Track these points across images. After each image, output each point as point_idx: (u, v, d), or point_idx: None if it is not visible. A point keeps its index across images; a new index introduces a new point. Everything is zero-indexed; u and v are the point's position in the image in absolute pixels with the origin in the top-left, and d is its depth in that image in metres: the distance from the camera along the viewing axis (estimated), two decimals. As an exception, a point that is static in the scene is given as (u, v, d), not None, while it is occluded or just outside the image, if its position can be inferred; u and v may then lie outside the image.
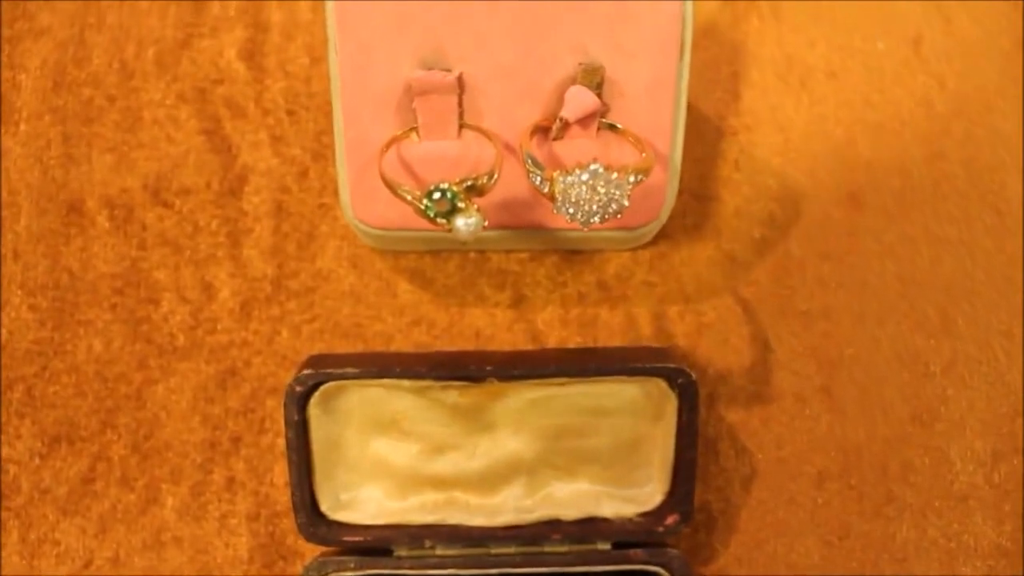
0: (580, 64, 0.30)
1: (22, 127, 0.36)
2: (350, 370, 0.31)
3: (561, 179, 0.27)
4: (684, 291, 0.35)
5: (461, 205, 0.27)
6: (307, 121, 0.36)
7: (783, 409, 0.35)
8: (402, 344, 0.35)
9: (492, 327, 0.35)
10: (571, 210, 0.28)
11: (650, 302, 0.35)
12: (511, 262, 0.35)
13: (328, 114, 0.36)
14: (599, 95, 0.30)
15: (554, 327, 0.35)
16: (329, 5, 0.30)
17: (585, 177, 0.27)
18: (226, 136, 0.36)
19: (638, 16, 0.30)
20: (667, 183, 0.32)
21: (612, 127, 0.31)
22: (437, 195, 0.27)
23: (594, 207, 0.28)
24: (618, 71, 0.30)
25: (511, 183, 0.31)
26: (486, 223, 0.28)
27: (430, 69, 0.30)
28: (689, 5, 0.30)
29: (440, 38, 0.30)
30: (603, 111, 0.31)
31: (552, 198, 0.28)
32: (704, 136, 0.36)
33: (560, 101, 0.30)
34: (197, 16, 0.37)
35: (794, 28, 0.37)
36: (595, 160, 0.27)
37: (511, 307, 0.35)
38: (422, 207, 0.28)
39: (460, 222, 0.27)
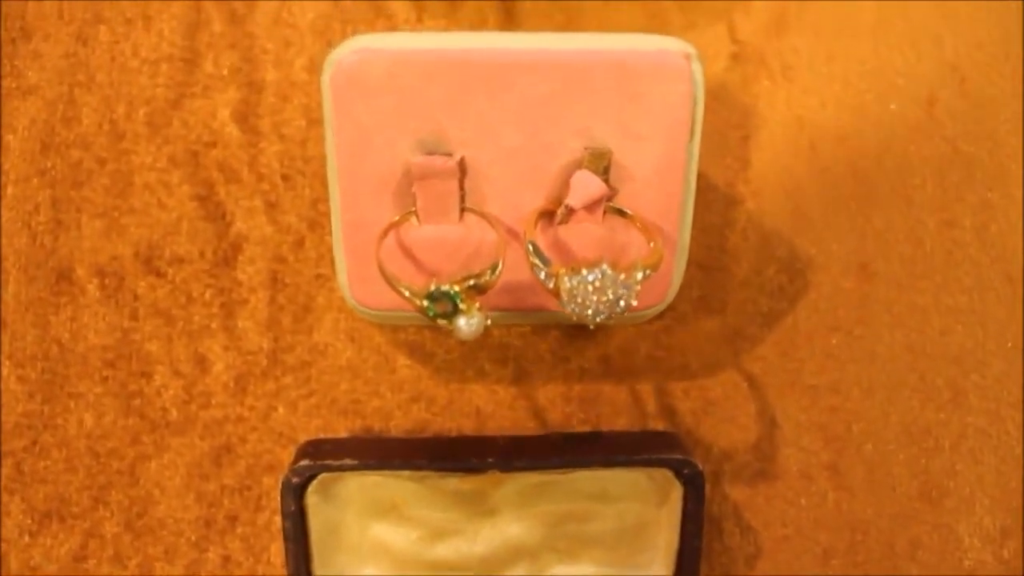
0: (587, 148, 0.29)
1: (10, 190, 0.35)
2: (348, 461, 0.30)
3: (567, 278, 0.27)
4: (689, 367, 0.35)
5: (463, 306, 0.26)
6: (303, 187, 0.35)
7: (789, 486, 0.35)
8: (401, 421, 0.34)
9: (493, 404, 0.34)
10: (577, 309, 0.27)
11: (655, 378, 0.34)
12: (512, 336, 0.34)
13: (324, 180, 0.35)
14: (606, 179, 0.29)
15: (556, 404, 0.34)
16: (325, 88, 0.29)
17: (592, 278, 0.26)
18: (220, 202, 0.35)
19: (647, 99, 0.29)
20: (674, 266, 0.31)
21: (620, 212, 0.30)
22: (438, 296, 0.26)
23: (601, 307, 0.27)
24: (626, 154, 0.29)
25: (514, 268, 0.30)
26: (488, 321, 0.27)
27: (431, 153, 0.29)
28: (700, 87, 0.29)
29: (441, 122, 0.29)
30: (610, 195, 0.30)
31: (557, 294, 0.27)
32: (711, 204, 0.35)
33: (566, 185, 0.29)
34: (189, 75, 0.36)
35: (805, 89, 0.36)
36: (603, 260, 0.26)
37: (512, 383, 0.34)
38: (422, 306, 0.27)
39: (462, 323, 0.26)
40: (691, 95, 0.29)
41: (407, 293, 0.27)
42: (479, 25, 0.36)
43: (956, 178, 0.36)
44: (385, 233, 0.29)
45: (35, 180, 0.35)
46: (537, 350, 0.34)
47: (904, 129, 0.37)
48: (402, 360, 0.34)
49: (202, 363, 0.34)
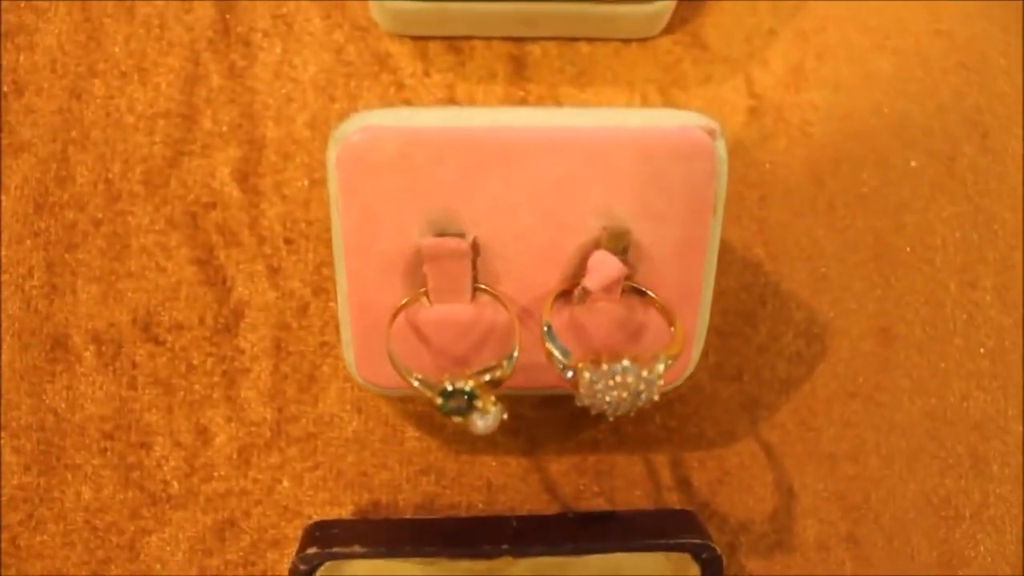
0: (605, 228, 0.28)
1: (3, 252, 0.34)
2: (357, 548, 0.29)
3: (588, 374, 0.26)
4: (705, 436, 0.34)
5: (478, 403, 0.25)
6: (306, 251, 0.34)
7: (806, 557, 0.34)
8: (410, 495, 0.33)
9: (504, 476, 0.33)
10: (596, 404, 0.26)
11: (670, 448, 0.34)
12: (524, 407, 0.33)
13: (328, 243, 0.34)
14: (624, 259, 0.28)
15: (569, 476, 0.33)
16: (331, 166, 0.27)
17: (612, 373, 0.25)
18: (220, 266, 0.34)
19: (669, 177, 0.28)
20: (694, 346, 0.30)
21: (638, 291, 0.29)
22: (452, 393, 0.25)
23: (622, 404, 0.26)
24: (645, 233, 0.28)
25: (528, 348, 0.29)
26: (505, 416, 0.26)
27: (442, 234, 0.28)
28: (724, 163, 0.28)
29: (452, 201, 0.27)
30: (629, 275, 0.29)
31: (575, 387, 0.26)
32: (728, 268, 0.34)
33: (582, 263, 0.28)
34: (187, 132, 0.35)
35: (824, 146, 0.35)
36: (624, 355, 0.25)
37: (524, 455, 0.33)
38: (436, 404, 0.26)
39: (478, 420, 0.25)
40: (714, 173, 0.28)
41: (419, 385, 0.26)
42: (488, 79, 0.35)
43: (977, 237, 0.35)
44: (395, 317, 0.28)
45: (28, 242, 0.34)
46: (549, 421, 0.33)
47: (925, 187, 0.36)
48: (410, 431, 0.33)
49: (204, 434, 0.33)
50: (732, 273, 0.34)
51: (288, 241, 0.34)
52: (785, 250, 0.35)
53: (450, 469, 0.33)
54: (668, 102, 0.35)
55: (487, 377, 0.26)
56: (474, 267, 0.28)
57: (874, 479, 0.34)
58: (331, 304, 0.33)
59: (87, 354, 0.33)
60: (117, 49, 0.35)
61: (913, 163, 0.36)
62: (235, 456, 0.33)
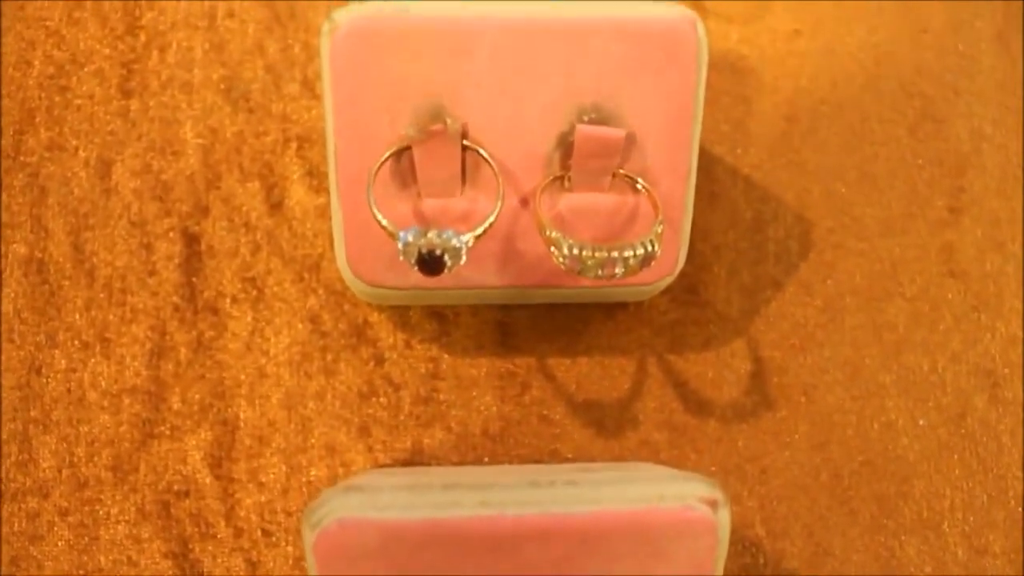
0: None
1: (-37, 543, 0.32)
2: None
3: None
4: None
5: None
6: (286, 544, 0.32)
7: None
8: None
9: None
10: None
11: None
12: None
13: (309, 536, 0.32)
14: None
15: None
16: (308, 555, 0.26)
17: None
18: (196, 560, 0.32)
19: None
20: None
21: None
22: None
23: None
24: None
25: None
26: None
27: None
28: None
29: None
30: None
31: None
32: (727, 549, 0.33)
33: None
34: (155, 412, 0.32)
35: (829, 411, 0.34)
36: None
37: None
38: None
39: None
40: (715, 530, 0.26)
41: None
42: (474, 351, 0.33)
43: (986, 499, 0.34)
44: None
45: (-10, 533, 0.32)
46: None
47: (933, 446, 0.34)
48: None
49: None
50: (731, 556, 0.33)
51: (267, 533, 0.32)
52: (786, 528, 0.33)
53: None
54: (666, 370, 0.33)
55: None
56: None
57: None
58: (313, 601, 0.32)
59: (59, 655, 0.32)
60: (78, 316, 0.33)
61: (921, 422, 0.34)
62: None
